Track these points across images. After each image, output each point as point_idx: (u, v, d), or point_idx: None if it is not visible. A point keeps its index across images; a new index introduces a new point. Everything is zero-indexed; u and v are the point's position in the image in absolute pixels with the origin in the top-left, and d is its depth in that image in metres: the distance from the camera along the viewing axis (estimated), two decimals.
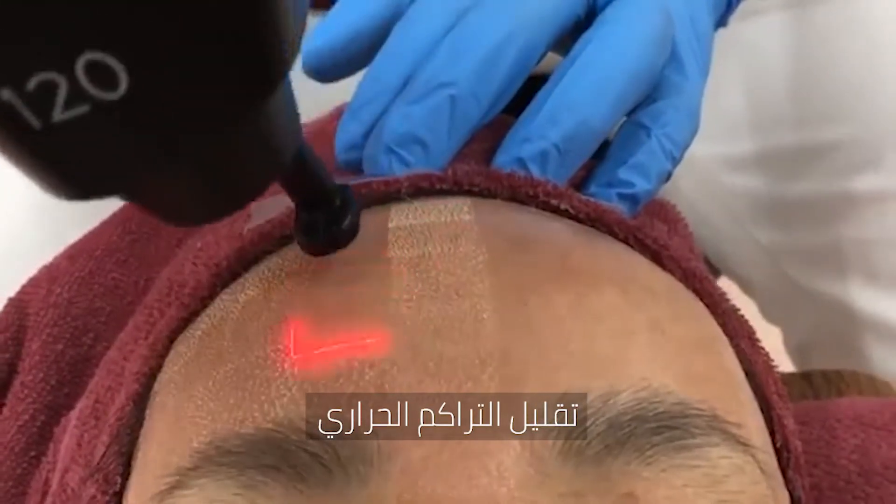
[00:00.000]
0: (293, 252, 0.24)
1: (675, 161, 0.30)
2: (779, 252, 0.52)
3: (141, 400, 0.24)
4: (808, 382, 0.41)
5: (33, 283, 0.33)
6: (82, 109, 0.14)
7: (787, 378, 0.41)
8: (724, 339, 0.25)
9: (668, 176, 0.30)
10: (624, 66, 0.28)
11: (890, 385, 0.40)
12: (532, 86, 0.30)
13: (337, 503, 0.20)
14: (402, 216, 0.24)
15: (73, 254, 0.34)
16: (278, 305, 0.22)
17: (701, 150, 0.50)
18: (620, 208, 0.28)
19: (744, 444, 0.22)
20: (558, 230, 0.25)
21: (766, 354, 0.28)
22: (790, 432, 0.26)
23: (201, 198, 0.18)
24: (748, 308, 0.42)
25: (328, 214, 0.22)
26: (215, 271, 0.25)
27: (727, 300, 0.27)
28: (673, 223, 0.32)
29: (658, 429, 0.20)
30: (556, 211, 0.26)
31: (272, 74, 0.16)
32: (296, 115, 0.19)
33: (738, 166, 0.51)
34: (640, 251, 0.26)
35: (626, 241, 0.26)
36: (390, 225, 0.24)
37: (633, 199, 0.29)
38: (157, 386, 0.24)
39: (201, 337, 0.23)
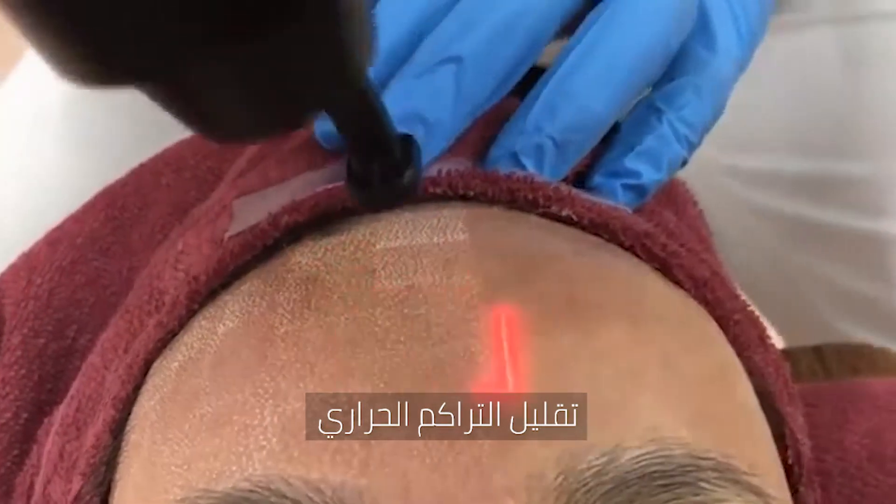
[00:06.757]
0: (275, 273, 0.23)
1: (693, 146, 0.28)
2: (805, 279, 0.50)
3: (117, 427, 0.23)
4: (818, 358, 0.40)
5: (12, 272, 0.32)
6: None
7: (796, 353, 0.40)
8: (737, 363, 0.24)
9: (684, 162, 0.28)
10: (631, 47, 0.26)
11: None
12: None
13: None
14: (390, 234, 0.23)
15: (54, 240, 0.32)
16: (258, 342, 0.21)
17: (713, 154, 0.48)
18: (625, 200, 0.26)
19: (760, 494, 0.21)
20: (561, 250, 0.23)
21: (776, 353, 0.27)
22: (802, 445, 0.25)
23: (255, 100, 0.16)
24: None
25: (385, 166, 0.20)
26: (194, 286, 0.23)
27: (737, 299, 0.26)
28: (682, 205, 0.30)
29: (668, 486, 0.19)
30: (557, 218, 0.24)
31: None
32: (373, 33, 0.17)
33: (754, 181, 0.49)
34: (648, 260, 0.24)
35: (632, 249, 0.24)
36: (377, 246, 0.22)
37: (639, 190, 0.27)
38: (132, 419, 0.23)
39: (178, 371, 0.22)
